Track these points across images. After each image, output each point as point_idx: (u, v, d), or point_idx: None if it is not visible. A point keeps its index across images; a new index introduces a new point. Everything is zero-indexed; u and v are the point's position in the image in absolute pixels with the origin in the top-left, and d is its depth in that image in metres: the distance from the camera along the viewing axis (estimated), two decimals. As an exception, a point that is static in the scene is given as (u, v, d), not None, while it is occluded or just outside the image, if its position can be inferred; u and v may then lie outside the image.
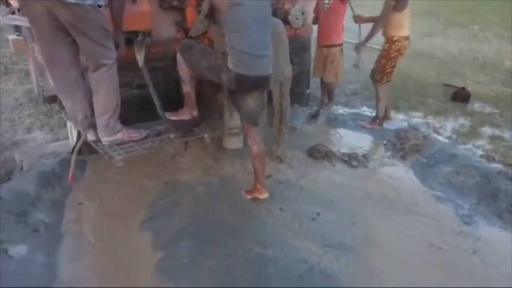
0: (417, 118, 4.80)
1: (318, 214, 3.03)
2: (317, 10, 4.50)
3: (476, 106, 5.12)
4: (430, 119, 4.74)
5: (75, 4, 2.39)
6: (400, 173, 3.60)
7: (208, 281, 2.41)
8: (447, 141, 4.18)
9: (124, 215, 2.96)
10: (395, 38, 4.05)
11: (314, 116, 4.59)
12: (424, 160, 3.78)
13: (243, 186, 3.26)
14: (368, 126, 4.44)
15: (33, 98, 4.93)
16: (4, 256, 2.51)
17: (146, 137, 2.82)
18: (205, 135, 3.03)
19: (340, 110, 4.97)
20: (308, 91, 4.76)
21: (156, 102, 3.20)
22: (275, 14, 3.69)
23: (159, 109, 3.19)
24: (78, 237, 2.74)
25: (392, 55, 4.11)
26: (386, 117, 4.52)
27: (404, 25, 4.03)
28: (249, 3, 2.60)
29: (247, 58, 2.65)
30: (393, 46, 4.08)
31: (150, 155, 3.51)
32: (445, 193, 3.30)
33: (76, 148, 2.92)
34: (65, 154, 3.39)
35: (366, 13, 4.71)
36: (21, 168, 3.47)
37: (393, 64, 4.17)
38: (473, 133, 4.35)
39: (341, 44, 4.58)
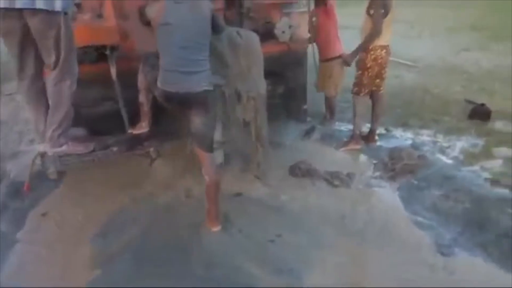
0: (425, 136, 4.41)
1: (279, 236, 2.83)
2: (310, 27, 4.34)
3: (497, 124, 4.61)
4: (439, 138, 4.34)
5: (45, 10, 2.45)
6: (383, 195, 3.29)
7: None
8: (450, 162, 3.79)
9: (80, 228, 2.96)
10: (370, 47, 3.78)
11: (308, 132, 4.38)
12: (415, 182, 3.44)
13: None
14: (343, 148, 4.08)
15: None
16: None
17: (93, 151, 2.81)
18: (151, 149, 2.96)
19: (343, 127, 4.70)
20: (304, 106, 4.56)
21: (124, 115, 3.19)
22: (256, 29, 3.62)
23: (126, 123, 3.17)
24: (29, 246, 2.75)
25: (368, 65, 3.82)
26: (369, 137, 4.19)
27: (383, 33, 3.73)
28: (178, 23, 2.51)
29: (171, 75, 2.56)
30: (369, 56, 3.79)
31: (131, 167, 3.52)
32: (428, 220, 2.97)
33: (34, 160, 2.96)
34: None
35: (353, 21, 4.43)
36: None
37: (370, 75, 3.86)
38: (484, 154, 3.91)
39: (339, 57, 4.37)
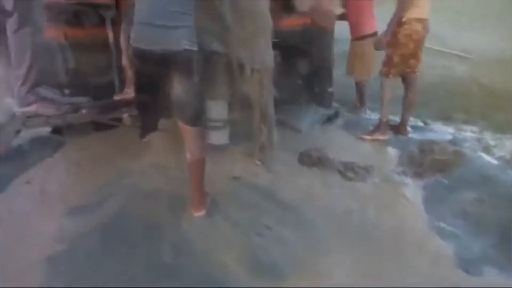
0: (469, 132, 3.80)
1: (269, 229, 2.44)
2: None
3: None
4: (487, 136, 3.71)
5: None
6: (404, 194, 2.79)
7: (89, 281, 2.04)
8: (494, 162, 3.18)
9: (61, 198, 2.72)
10: (403, 20, 3.20)
11: (330, 118, 3.91)
12: (445, 181, 2.89)
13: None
14: (367, 137, 3.55)
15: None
16: None
17: (65, 113, 2.55)
18: (124, 116, 2.63)
19: (374, 116, 4.16)
20: (330, 89, 4.08)
21: (116, 80, 2.92)
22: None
23: (116, 88, 2.90)
24: (2, 213, 2.56)
25: (401, 41, 3.25)
26: (400, 128, 3.63)
27: (419, 3, 3.16)
28: None
29: (144, 29, 2.19)
30: (402, 30, 3.22)
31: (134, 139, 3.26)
32: (453, 227, 2.44)
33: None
34: (40, 132, 3.30)
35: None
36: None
37: (402, 53, 3.29)
38: (538, 157, 3.26)
39: (372, 35, 3.85)
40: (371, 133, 3.58)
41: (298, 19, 3.73)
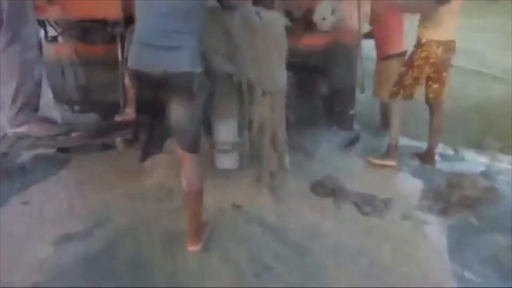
0: (505, 163, 3.44)
1: (269, 269, 2.20)
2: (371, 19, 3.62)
3: None
4: (525, 168, 3.33)
5: None
6: (425, 234, 2.49)
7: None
8: (534, 201, 2.82)
9: (54, 222, 2.58)
10: (423, 41, 2.98)
11: (351, 143, 3.64)
12: (474, 221, 2.56)
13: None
14: (375, 162, 3.29)
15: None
16: None
17: (57, 135, 2.42)
18: (117, 140, 2.47)
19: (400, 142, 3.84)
20: (351, 111, 3.81)
21: (121, 100, 2.79)
22: (288, 13, 3.02)
23: (121, 108, 2.77)
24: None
25: (416, 62, 3.03)
26: (426, 156, 3.35)
27: (442, 24, 2.91)
28: None
29: (142, 50, 2.02)
30: (419, 52, 3.00)
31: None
32: (480, 277, 2.13)
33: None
34: (42, 150, 3.21)
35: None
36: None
37: (415, 75, 3.07)
38: None
39: (400, 54, 3.58)
40: (379, 157, 3.32)
41: (320, 37, 3.52)
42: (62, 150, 3.23)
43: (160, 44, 1.98)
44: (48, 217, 2.66)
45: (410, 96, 3.18)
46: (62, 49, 3.30)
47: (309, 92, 3.74)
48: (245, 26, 2.59)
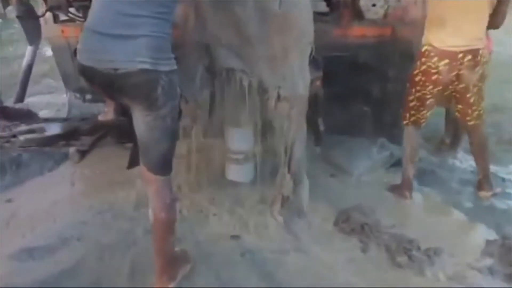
0: None
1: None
2: None
3: None
4: None
5: None
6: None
7: None
8: None
9: (29, 228, 2.28)
10: (423, 49, 2.27)
11: (399, 162, 2.92)
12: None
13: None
14: (390, 190, 2.66)
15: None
16: None
17: (14, 136, 2.04)
18: (71, 149, 2.02)
19: (469, 162, 3.03)
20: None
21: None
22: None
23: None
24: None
25: (417, 78, 2.33)
26: (481, 186, 2.63)
27: (447, 25, 2.16)
28: None
29: (89, 38, 1.55)
30: (418, 63, 2.30)
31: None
32: None
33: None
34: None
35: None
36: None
37: (419, 95, 2.36)
38: None
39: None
40: (393, 188, 2.66)
41: (373, 28, 2.88)
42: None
43: (107, 31, 1.49)
44: (23, 220, 2.37)
45: (417, 122, 2.47)
46: (69, 30, 2.99)
47: (353, 95, 3.10)
48: (258, 13, 2.02)
